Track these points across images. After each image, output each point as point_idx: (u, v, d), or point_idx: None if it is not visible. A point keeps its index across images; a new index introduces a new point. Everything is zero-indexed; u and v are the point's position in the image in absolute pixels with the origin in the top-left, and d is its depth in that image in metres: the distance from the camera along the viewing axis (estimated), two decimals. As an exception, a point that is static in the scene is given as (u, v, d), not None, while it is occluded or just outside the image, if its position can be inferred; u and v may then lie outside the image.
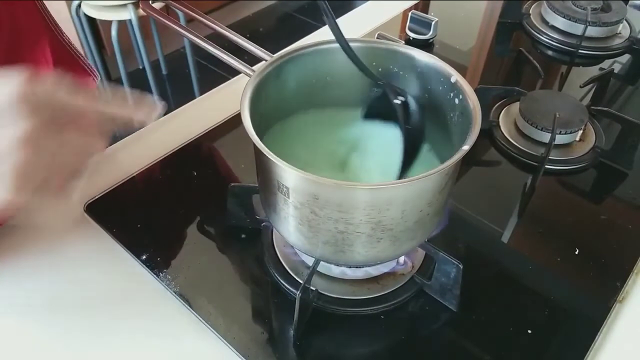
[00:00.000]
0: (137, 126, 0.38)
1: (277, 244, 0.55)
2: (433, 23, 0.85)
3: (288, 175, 0.41)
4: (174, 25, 0.51)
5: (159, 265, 0.54)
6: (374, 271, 0.52)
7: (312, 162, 0.50)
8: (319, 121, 0.55)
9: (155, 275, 0.53)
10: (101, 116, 0.36)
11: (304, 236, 0.45)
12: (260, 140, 0.41)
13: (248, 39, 0.51)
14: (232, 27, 0.52)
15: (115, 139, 0.67)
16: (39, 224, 0.35)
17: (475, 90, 0.46)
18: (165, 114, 0.74)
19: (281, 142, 0.52)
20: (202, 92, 1.04)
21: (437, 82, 0.49)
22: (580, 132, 0.69)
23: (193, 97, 0.77)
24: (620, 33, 0.89)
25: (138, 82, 2.18)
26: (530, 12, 0.95)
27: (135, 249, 0.55)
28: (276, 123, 0.53)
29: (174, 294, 0.52)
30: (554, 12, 0.89)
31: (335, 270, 0.52)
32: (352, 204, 0.41)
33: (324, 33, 0.89)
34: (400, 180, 0.41)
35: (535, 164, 0.67)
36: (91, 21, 1.96)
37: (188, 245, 0.56)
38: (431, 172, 0.40)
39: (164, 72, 2.31)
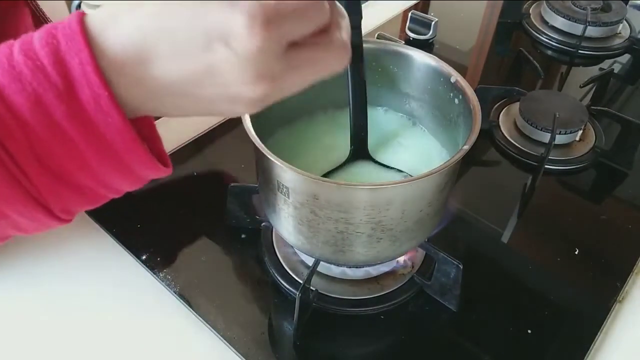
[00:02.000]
0: None
1: (277, 244, 0.55)
2: (433, 23, 0.85)
3: (288, 175, 0.41)
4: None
5: (159, 265, 0.54)
6: (374, 271, 0.52)
7: (314, 162, 0.50)
8: (322, 121, 0.55)
9: (155, 275, 0.53)
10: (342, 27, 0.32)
11: (303, 236, 0.45)
12: (262, 141, 0.41)
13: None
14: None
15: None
16: None
17: (475, 90, 0.46)
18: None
19: (282, 142, 0.52)
20: (202, 92, 1.03)
21: (437, 82, 0.50)
22: (580, 132, 0.69)
23: (193, 97, 0.77)
24: (620, 33, 0.89)
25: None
26: (530, 12, 0.95)
27: (135, 249, 0.55)
28: (277, 124, 0.53)
29: (174, 294, 0.52)
30: (554, 12, 0.89)
31: (335, 270, 0.52)
32: (352, 204, 0.41)
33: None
34: (400, 180, 0.41)
35: (535, 164, 0.67)
36: (91, 21, 1.96)
37: (188, 245, 0.56)
38: (431, 172, 0.40)
39: (164, 72, 2.31)
